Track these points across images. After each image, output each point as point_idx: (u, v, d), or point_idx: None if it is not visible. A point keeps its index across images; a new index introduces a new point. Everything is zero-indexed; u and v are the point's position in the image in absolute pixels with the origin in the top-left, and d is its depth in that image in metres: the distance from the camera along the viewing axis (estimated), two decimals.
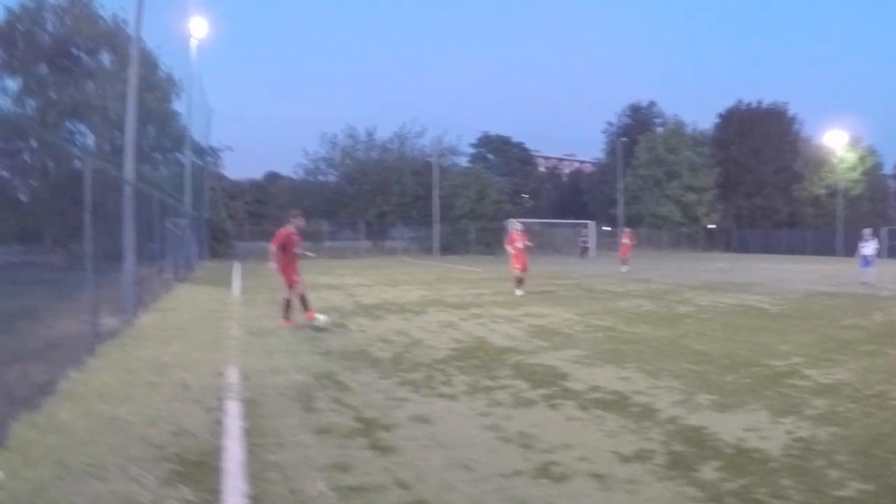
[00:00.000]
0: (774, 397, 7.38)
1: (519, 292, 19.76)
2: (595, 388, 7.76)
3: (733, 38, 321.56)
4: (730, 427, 6.23)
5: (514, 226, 21.60)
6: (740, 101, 75.84)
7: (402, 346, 10.84)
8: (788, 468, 5.21)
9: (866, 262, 24.72)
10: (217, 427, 6.17)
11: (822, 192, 67.25)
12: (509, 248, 20.61)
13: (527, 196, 79.81)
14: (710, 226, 69.89)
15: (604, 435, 6.03)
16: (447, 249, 54.39)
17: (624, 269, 31.58)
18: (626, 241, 33.81)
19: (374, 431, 6.10)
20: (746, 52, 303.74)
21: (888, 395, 7.56)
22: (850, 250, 58.90)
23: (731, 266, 37.58)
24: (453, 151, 64.19)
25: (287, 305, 12.98)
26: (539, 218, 64.04)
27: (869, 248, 25.09)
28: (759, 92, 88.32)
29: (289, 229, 12.91)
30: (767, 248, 65.16)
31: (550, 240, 60.47)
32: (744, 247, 67.75)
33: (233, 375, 8.30)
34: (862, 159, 68.17)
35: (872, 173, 69.90)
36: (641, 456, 5.47)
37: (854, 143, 67.94)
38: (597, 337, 11.71)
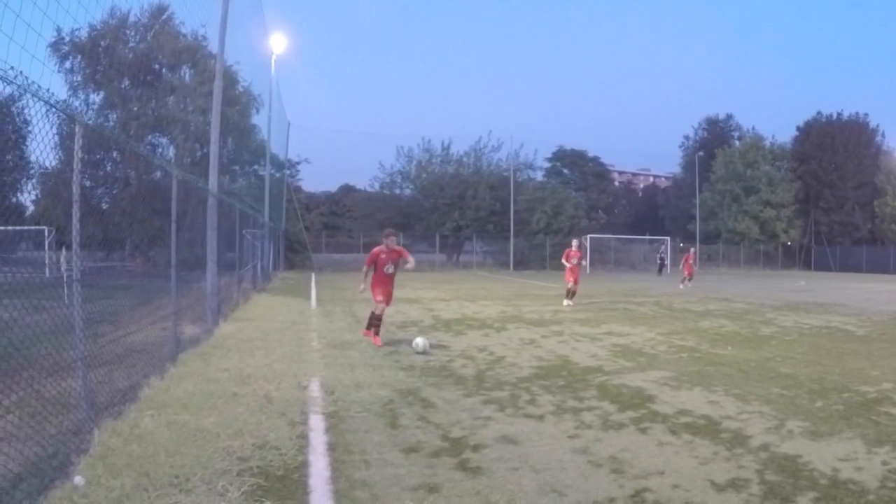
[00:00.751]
0: (868, 425, 7.08)
1: (566, 303, 21.39)
2: (684, 412, 7.53)
3: (812, 49, 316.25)
4: (824, 456, 5.98)
5: (573, 242, 22.47)
6: (819, 114, 73.86)
7: (484, 363, 10.70)
8: (887, 502, 4.97)
9: None
10: (302, 441, 6.12)
11: None
12: (565, 263, 22.04)
13: (601, 211, 78.93)
14: (788, 243, 68.30)
15: (696, 462, 5.81)
16: (522, 264, 54.23)
17: (690, 285, 32.37)
18: (690, 259, 34.47)
19: (461, 451, 5.97)
20: (825, 62, 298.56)
21: None
22: None
23: (811, 285, 36.67)
24: (529, 166, 64.13)
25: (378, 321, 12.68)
26: (614, 233, 63.50)
27: None
28: (838, 103, 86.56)
29: (380, 248, 12.63)
30: (847, 266, 63.64)
31: (627, 256, 59.85)
32: (823, 264, 66.32)
33: (316, 389, 8.27)
34: None
35: None
36: (736, 485, 5.25)
37: None
38: (681, 358, 11.44)
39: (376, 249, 12.62)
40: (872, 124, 72.92)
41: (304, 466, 5.46)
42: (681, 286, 32.39)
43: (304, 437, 6.25)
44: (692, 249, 37.57)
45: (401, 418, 7.07)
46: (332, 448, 5.95)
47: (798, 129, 74.55)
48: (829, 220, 69.45)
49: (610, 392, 8.51)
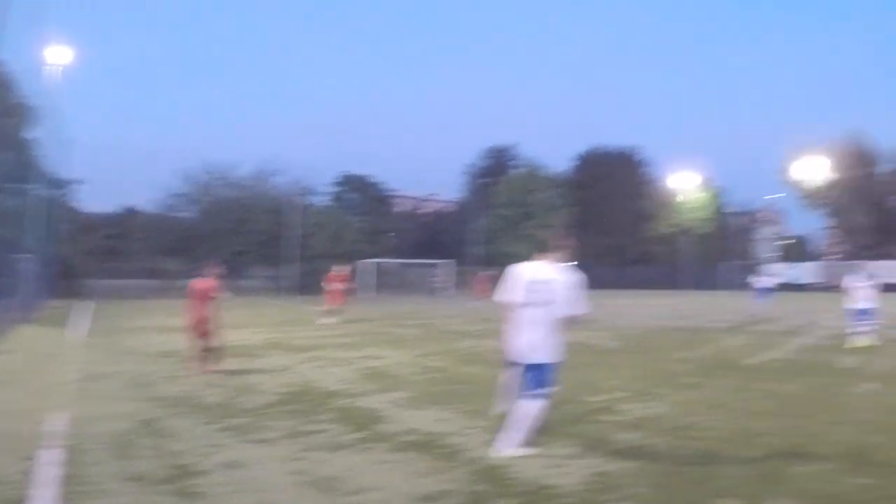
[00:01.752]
0: (583, 434, 7.75)
1: (325, 321, 23.15)
2: (411, 431, 7.97)
3: (593, 84, 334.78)
4: (533, 465, 6.44)
5: (337, 267, 24.75)
6: (597, 145, 79.78)
7: (233, 391, 10.79)
8: (581, 503, 5.53)
9: (762, 294, 27.91)
10: (32, 475, 6.19)
11: (670, 230, 70.69)
12: (326, 287, 24.15)
13: (392, 234, 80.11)
14: (563, 264, 71.73)
15: (410, 476, 6.25)
16: (304, 289, 54.24)
17: (479, 304, 33.63)
18: (482, 281, 36.43)
19: (186, 478, 6.20)
20: (605, 97, 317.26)
21: (699, 426, 8.14)
22: (698, 284, 63.10)
23: None
24: (311, 191, 64.31)
25: (202, 356, 12.41)
26: (398, 258, 64.60)
27: (765, 281, 28.85)
28: (616, 135, 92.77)
29: (204, 280, 12.33)
30: (618, 284, 67.87)
31: (408, 280, 61.12)
32: (597, 283, 69.89)
33: (59, 422, 8.24)
34: (711, 199, 72.43)
35: (719, 212, 74.44)
36: (443, 496, 5.68)
37: (704, 184, 72.16)
38: (428, 378, 11.94)
39: (202, 282, 12.28)
40: (643, 155, 79.83)
41: (29, 499, 5.57)
42: (472, 304, 34.47)
43: (34, 470, 6.31)
44: (484, 272, 39.36)
45: (136, 448, 7.23)
46: (63, 480, 6.05)
47: (577, 158, 79.57)
48: (601, 242, 73.95)
49: (346, 414, 8.87)
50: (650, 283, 66.75)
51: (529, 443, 6.87)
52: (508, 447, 6.82)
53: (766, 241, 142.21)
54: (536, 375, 6.82)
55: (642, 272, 70.24)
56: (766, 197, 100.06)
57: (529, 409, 6.81)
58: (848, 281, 18.03)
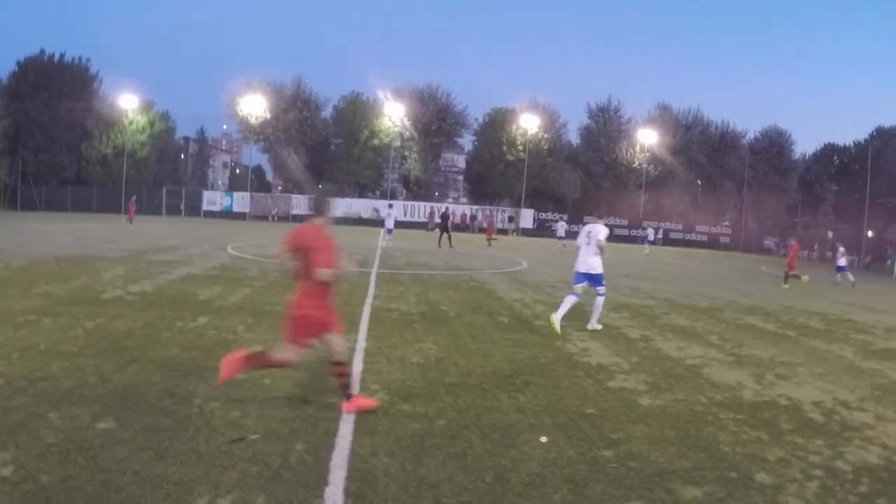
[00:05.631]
0: None
1: None
2: None
3: None
4: None
5: None
6: (42, 52, 74.19)
7: None
8: None
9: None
10: None
11: (110, 151, 68.93)
12: None
13: None
14: None
15: None
16: None
17: None
18: None
19: None
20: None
21: None
22: (139, 208, 62.47)
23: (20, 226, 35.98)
24: None
25: None
26: None
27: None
28: (62, 43, 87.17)
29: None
30: (54, 205, 65.56)
31: None
32: (30, 204, 66.55)
33: None
34: (152, 123, 71.78)
35: (163, 137, 74.17)
36: None
37: (146, 107, 71.22)
38: None
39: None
40: (93, 70, 76.67)
41: None
42: None
43: None
44: None
45: None
46: None
47: (18, 65, 73.41)
48: (36, 160, 69.96)
49: None
50: (87, 205, 65.28)
51: None
52: None
53: (221, 169, 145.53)
54: None
55: (79, 193, 67.53)
56: (224, 127, 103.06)
57: None
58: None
